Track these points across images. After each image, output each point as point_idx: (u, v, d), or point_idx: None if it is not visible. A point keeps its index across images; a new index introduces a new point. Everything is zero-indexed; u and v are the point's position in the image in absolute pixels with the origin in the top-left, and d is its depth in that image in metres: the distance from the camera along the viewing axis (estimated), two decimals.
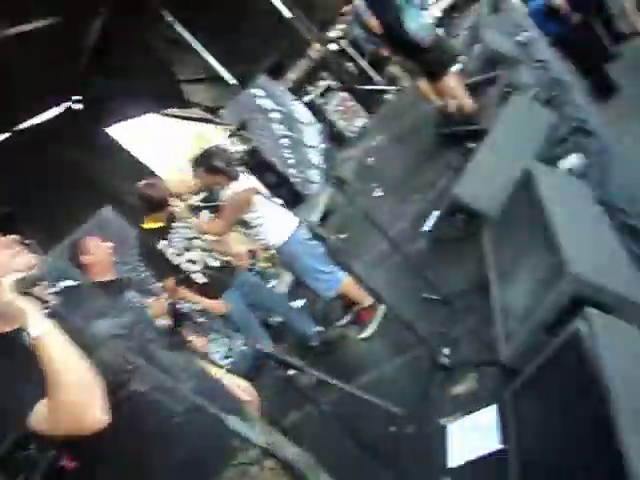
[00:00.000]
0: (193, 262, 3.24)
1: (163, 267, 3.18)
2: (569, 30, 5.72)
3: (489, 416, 1.94)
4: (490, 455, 1.79)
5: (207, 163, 3.21)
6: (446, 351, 2.37)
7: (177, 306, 1.43)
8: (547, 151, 3.00)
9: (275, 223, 3.25)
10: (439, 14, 4.29)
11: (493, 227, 2.60)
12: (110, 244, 2.49)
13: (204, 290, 3.16)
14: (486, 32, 5.01)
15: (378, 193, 5.17)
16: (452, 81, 3.95)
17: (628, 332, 1.56)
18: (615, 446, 1.14)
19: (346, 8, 7.91)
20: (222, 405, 1.19)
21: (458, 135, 4.20)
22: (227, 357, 3.85)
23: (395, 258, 3.33)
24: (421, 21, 3.73)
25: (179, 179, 5.50)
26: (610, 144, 2.80)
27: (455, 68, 4.43)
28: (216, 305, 3.05)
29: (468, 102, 3.98)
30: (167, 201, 3.29)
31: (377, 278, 3.33)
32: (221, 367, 1.83)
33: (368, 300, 3.30)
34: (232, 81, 8.81)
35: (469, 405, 2.07)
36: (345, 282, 3.28)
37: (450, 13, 8.64)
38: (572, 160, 2.74)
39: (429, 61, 3.91)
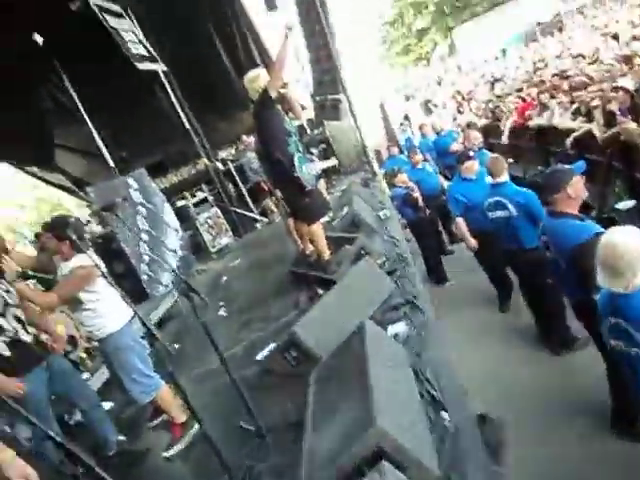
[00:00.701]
0: (1, 330, 2.87)
1: None
2: (420, 220, 6.79)
3: None
4: None
5: (60, 229, 3.08)
6: None
7: None
8: (380, 313, 3.36)
9: (110, 310, 3.15)
10: (319, 171, 4.86)
11: (320, 370, 2.74)
12: None
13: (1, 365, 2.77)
14: (356, 199, 5.71)
15: (222, 313, 5.18)
16: (318, 230, 4.32)
17: None
18: None
19: (245, 138, 8.50)
20: None
21: (310, 278, 4.49)
22: None
23: (222, 379, 3.27)
24: (307, 170, 4.14)
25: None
26: (431, 322, 3.22)
27: (323, 219, 4.90)
28: (11, 385, 2.65)
29: (326, 252, 4.34)
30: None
31: (199, 396, 3.21)
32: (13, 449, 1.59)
33: (182, 417, 3.22)
34: (111, 163, 8.64)
35: None
36: (163, 391, 3.22)
37: (330, 174, 9.73)
38: (399, 327, 3.08)
39: (304, 206, 4.25)
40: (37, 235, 8.07)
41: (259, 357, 3.61)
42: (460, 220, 5.15)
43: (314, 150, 8.77)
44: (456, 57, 25.03)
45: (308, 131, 10.66)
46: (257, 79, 3.97)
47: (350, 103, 8.64)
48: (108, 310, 3.14)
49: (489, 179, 4.74)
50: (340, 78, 8.67)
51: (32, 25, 8.65)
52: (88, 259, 2.81)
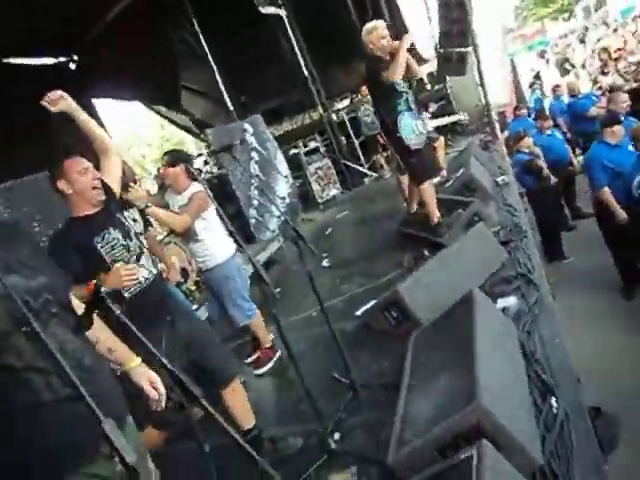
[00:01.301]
0: None
1: None
2: (542, 190, 6.27)
3: None
4: None
5: (179, 159, 3.39)
6: (337, 436, 2.33)
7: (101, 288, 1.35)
8: (490, 285, 3.17)
9: (219, 241, 3.42)
10: (432, 129, 4.58)
11: (421, 334, 2.66)
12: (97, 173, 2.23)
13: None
14: (473, 161, 5.37)
15: (325, 263, 5.22)
16: (428, 190, 4.16)
17: (512, 477, 1.60)
18: None
19: (364, 89, 8.29)
20: (107, 407, 1.11)
21: (418, 239, 4.35)
22: None
23: (319, 329, 3.33)
24: (414, 128, 3.99)
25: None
26: (545, 300, 2.97)
27: (435, 180, 4.68)
28: None
29: (436, 214, 4.17)
30: (127, 186, 3.20)
31: (295, 342, 3.29)
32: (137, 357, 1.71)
33: (269, 342, 3.65)
34: (230, 107, 8.91)
35: None
36: (257, 316, 3.61)
37: (448, 132, 9.26)
38: (510, 301, 2.88)
39: (412, 165, 4.14)
40: (158, 170, 8.66)
41: (359, 312, 3.59)
42: (607, 189, 4.65)
43: (433, 106, 8.34)
44: (604, 10, 22.22)
45: (428, 86, 10.17)
46: (372, 31, 3.94)
47: (478, 58, 8.02)
48: (217, 241, 3.40)
49: (631, 149, 4.22)
50: (470, 30, 8.03)
51: None
52: (202, 186, 2.97)
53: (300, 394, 2.50)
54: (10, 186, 3.63)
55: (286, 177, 7.26)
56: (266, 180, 6.62)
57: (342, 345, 2.70)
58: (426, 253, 4.03)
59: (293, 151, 8.39)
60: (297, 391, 2.65)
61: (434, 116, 6.68)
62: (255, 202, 6.23)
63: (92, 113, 10.50)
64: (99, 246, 2.14)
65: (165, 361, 1.23)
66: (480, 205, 4.34)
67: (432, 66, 10.45)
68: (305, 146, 8.39)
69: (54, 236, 2.26)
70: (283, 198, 6.91)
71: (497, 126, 8.29)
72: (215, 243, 3.41)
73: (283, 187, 7.02)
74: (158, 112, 11.34)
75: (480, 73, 8.11)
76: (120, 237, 2.20)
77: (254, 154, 6.68)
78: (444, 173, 5.83)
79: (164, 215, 3.17)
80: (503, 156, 7.11)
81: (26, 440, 1.25)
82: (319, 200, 8.10)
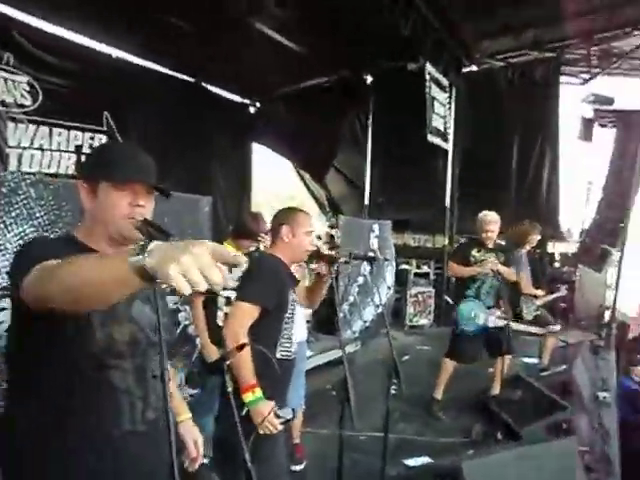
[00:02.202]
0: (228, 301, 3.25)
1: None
2: (636, 427, 5.67)
3: None
4: None
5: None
6: None
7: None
8: None
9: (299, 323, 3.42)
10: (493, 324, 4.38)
11: None
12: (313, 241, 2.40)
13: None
14: (578, 364, 5.06)
15: (392, 390, 5.05)
16: (446, 367, 4.56)
17: None
18: None
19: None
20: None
21: (493, 415, 4.10)
22: None
23: (359, 457, 3.19)
24: (471, 314, 4.32)
25: None
26: None
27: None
28: None
29: (439, 393, 4.51)
30: (258, 236, 3.38)
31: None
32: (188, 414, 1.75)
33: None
34: (366, 202, 9.31)
35: None
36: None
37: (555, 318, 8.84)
38: None
39: (451, 339, 4.67)
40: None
41: (409, 463, 3.41)
42: None
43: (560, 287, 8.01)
44: None
45: (557, 264, 9.92)
46: (480, 218, 4.41)
47: (621, 261, 7.75)
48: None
49: None
50: (624, 233, 7.86)
51: (364, 68, 9.99)
52: None
53: None
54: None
55: (389, 288, 7.30)
56: (371, 282, 6.69)
57: None
58: (499, 435, 3.78)
59: (404, 267, 8.46)
60: None
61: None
62: (351, 299, 6.30)
63: (249, 151, 11.53)
64: (289, 298, 2.22)
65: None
66: (572, 414, 4.03)
67: (569, 247, 10.24)
68: (417, 267, 8.44)
69: (269, 263, 2.27)
70: (377, 306, 6.92)
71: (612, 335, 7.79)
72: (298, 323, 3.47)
73: (382, 295, 7.05)
74: (302, 177, 12.09)
75: (618, 277, 7.80)
76: (295, 302, 2.28)
77: (370, 254, 6.83)
78: (545, 361, 5.55)
79: None
80: (611, 369, 6.61)
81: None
82: (407, 322, 7.99)
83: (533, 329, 4.73)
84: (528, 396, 4.27)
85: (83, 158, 7.15)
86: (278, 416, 1.67)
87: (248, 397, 1.85)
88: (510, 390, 4.42)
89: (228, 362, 1.44)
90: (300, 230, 2.25)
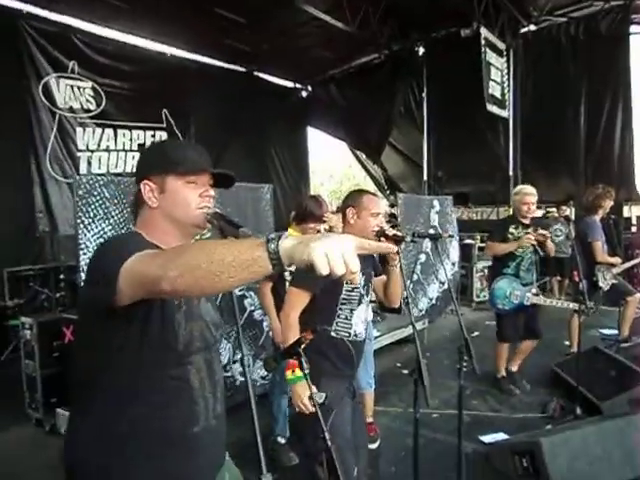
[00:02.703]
0: None
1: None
2: None
3: None
4: None
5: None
6: None
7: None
8: None
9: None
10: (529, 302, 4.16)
11: None
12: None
13: None
14: None
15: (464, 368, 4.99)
16: (499, 349, 4.37)
17: None
18: None
19: (564, 208, 7.88)
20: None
21: (571, 389, 3.96)
22: None
23: (432, 434, 3.19)
24: (506, 293, 4.16)
25: None
26: None
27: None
28: None
29: (502, 371, 4.39)
30: (322, 219, 3.41)
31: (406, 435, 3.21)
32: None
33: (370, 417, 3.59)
34: (425, 177, 9.15)
35: None
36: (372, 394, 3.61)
37: None
38: None
39: (497, 322, 4.47)
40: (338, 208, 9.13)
41: (486, 439, 3.38)
42: None
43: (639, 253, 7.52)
44: None
45: (634, 229, 9.34)
46: (518, 193, 4.24)
47: None
48: None
49: None
50: None
51: (417, 38, 9.70)
52: None
53: None
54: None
55: (453, 264, 7.17)
56: (433, 259, 6.60)
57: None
58: (578, 410, 3.66)
59: (468, 241, 8.26)
60: None
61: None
62: (415, 277, 6.25)
63: (304, 135, 11.58)
64: (344, 290, 2.25)
65: None
66: None
67: None
68: (482, 241, 8.20)
69: None
70: (442, 283, 6.82)
71: None
72: None
73: (447, 271, 6.94)
74: (357, 157, 12.02)
75: None
76: (361, 284, 2.28)
77: (431, 231, 6.72)
78: (625, 332, 5.28)
79: None
80: None
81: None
82: (475, 298, 7.82)
83: (564, 304, 4.49)
84: (607, 369, 4.09)
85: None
86: (311, 398, 1.71)
87: (289, 375, 1.91)
88: (588, 363, 4.26)
89: (303, 345, 1.48)
90: (365, 212, 2.25)
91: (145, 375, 1.24)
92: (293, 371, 1.86)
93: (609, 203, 5.06)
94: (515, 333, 4.34)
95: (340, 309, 2.23)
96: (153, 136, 7.53)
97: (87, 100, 6.87)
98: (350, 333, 2.25)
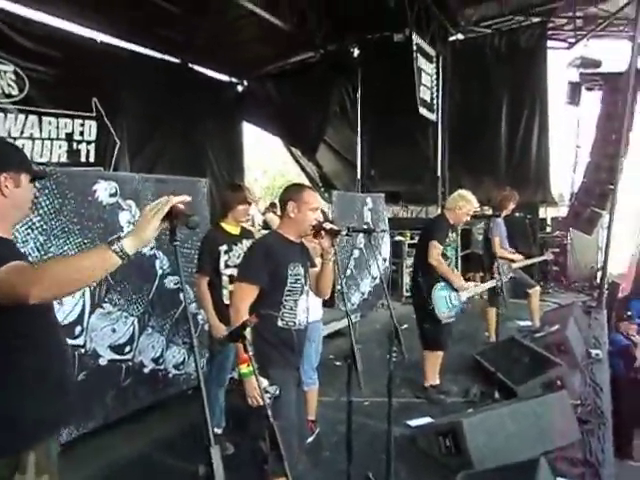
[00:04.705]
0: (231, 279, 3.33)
1: (206, 264, 3.31)
2: (628, 381, 5.92)
3: None
4: None
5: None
6: None
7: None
8: (553, 458, 3.05)
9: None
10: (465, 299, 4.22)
11: (468, 477, 2.62)
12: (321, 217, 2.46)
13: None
14: (571, 323, 5.23)
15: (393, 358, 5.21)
16: (431, 359, 4.33)
17: None
18: None
19: (485, 208, 8.32)
20: None
21: (490, 375, 4.27)
22: None
23: (364, 421, 3.34)
24: (447, 301, 4.14)
25: None
26: None
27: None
28: None
29: (430, 381, 4.31)
30: (246, 199, 3.42)
31: (339, 423, 3.34)
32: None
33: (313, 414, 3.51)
34: (358, 176, 9.37)
35: None
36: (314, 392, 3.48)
37: (548, 282, 9.02)
38: None
39: (427, 331, 4.37)
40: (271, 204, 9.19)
41: (411, 423, 3.58)
42: None
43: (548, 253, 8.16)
44: None
45: (549, 229, 10.08)
46: (466, 201, 4.22)
47: (611, 222, 7.87)
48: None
49: None
50: (613, 195, 7.95)
51: (353, 39, 9.91)
52: None
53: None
54: (165, 179, 4.05)
55: (384, 260, 7.43)
56: (366, 255, 6.81)
57: (393, 447, 2.69)
58: (496, 395, 3.96)
59: (398, 238, 8.57)
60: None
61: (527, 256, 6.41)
62: (348, 272, 6.43)
63: (239, 130, 11.49)
64: (289, 273, 2.32)
65: None
66: (566, 371, 4.21)
67: (560, 211, 10.40)
68: (411, 238, 8.55)
69: (261, 244, 2.47)
70: (374, 278, 7.05)
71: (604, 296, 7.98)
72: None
73: (379, 266, 7.18)
74: (292, 154, 12.09)
75: (608, 238, 7.93)
76: (302, 274, 2.38)
77: (364, 227, 6.92)
78: (537, 322, 5.73)
79: None
80: (602, 327, 6.83)
81: None
82: (405, 293, 8.15)
83: (486, 285, 4.78)
84: (522, 356, 4.43)
85: (74, 146, 7.17)
86: (266, 391, 1.82)
87: (243, 369, 1.98)
88: (506, 351, 4.60)
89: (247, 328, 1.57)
90: (305, 206, 2.35)
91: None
92: (248, 365, 1.93)
93: (512, 205, 5.61)
94: (448, 341, 4.31)
95: (285, 300, 2.32)
96: (82, 125, 7.22)
97: (8, 84, 6.48)
98: (295, 322, 2.36)
